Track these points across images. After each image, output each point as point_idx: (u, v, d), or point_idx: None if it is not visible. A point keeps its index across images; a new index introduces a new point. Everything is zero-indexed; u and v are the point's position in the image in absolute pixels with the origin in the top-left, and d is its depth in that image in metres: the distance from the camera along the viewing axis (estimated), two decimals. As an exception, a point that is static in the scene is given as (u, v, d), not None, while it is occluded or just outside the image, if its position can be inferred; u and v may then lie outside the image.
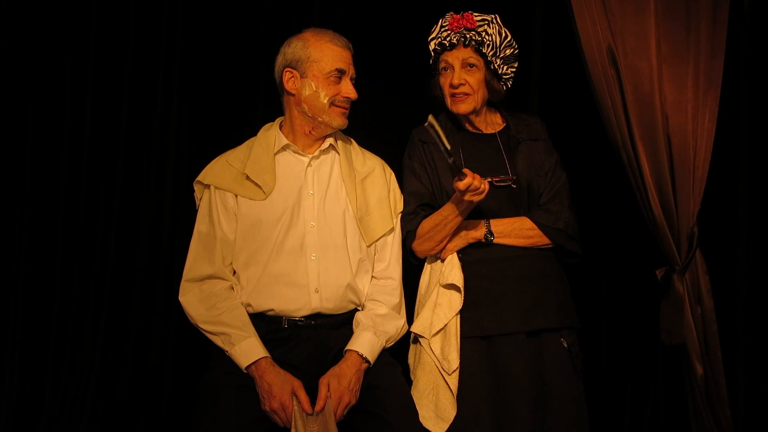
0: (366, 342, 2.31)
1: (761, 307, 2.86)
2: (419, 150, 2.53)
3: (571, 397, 2.39)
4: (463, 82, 2.43)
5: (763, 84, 2.86)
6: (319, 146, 2.44)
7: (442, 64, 2.47)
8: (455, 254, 2.43)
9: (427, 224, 2.43)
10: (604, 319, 3.16)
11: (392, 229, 2.47)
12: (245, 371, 2.24)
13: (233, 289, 2.39)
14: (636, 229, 2.87)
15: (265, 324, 2.34)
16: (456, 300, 2.38)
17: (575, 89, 2.91)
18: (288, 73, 2.39)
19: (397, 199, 2.51)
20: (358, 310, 2.43)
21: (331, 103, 2.37)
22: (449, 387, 2.33)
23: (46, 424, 3.09)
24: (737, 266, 2.90)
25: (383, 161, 2.57)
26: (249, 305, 2.36)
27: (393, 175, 2.56)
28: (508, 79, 2.51)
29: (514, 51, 2.48)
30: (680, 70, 2.66)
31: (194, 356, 2.94)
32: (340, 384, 2.22)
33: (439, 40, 2.46)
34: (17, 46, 3.13)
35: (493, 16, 2.45)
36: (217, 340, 2.30)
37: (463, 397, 2.33)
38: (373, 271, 2.47)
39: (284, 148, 2.43)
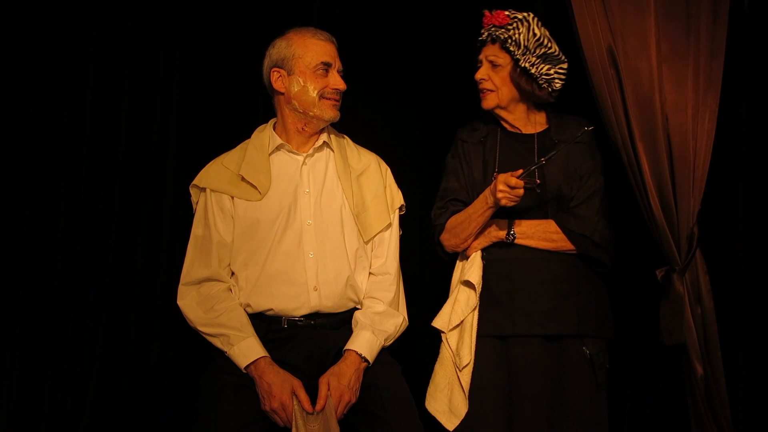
0: (365, 341, 2.31)
1: (761, 307, 2.86)
2: (460, 149, 2.56)
3: (588, 409, 2.35)
4: (485, 77, 2.46)
5: (763, 84, 2.86)
6: (313, 144, 2.44)
7: (477, 62, 2.51)
8: (479, 252, 2.44)
9: (454, 220, 2.46)
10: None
11: (389, 225, 2.47)
12: (244, 371, 2.24)
13: (231, 290, 2.39)
14: (636, 229, 2.87)
15: (265, 324, 2.34)
16: (472, 297, 2.40)
17: (575, 89, 2.90)
18: (275, 72, 2.40)
19: (393, 194, 2.52)
20: (357, 309, 2.43)
21: (321, 96, 2.38)
22: (461, 383, 2.33)
23: (46, 424, 3.09)
24: (737, 266, 2.89)
25: (378, 157, 2.57)
26: (248, 305, 2.36)
27: (389, 170, 2.56)
28: (550, 80, 2.46)
29: (548, 50, 2.45)
30: (680, 70, 2.66)
31: (194, 356, 2.95)
32: (340, 382, 2.22)
33: (479, 36, 2.50)
34: (17, 46, 3.13)
35: (526, 14, 2.46)
36: (216, 342, 2.30)
37: (474, 395, 2.35)
38: (370, 267, 2.47)
39: (278, 147, 2.44)
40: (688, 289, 2.68)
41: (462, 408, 2.34)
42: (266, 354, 2.25)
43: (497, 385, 2.35)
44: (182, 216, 3.06)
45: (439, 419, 2.35)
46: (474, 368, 2.37)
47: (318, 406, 2.19)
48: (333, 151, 2.47)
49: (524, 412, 2.32)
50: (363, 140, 2.61)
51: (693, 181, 2.65)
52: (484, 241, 2.45)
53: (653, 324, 2.79)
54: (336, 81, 2.39)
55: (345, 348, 2.31)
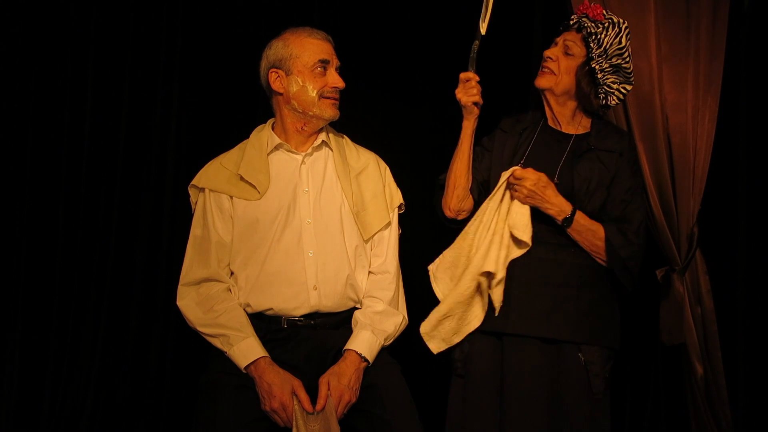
0: (364, 341, 2.31)
1: (761, 307, 2.86)
2: (497, 137, 2.53)
3: (583, 418, 2.29)
4: (554, 57, 2.41)
5: (763, 84, 2.86)
6: (312, 143, 2.44)
7: (553, 42, 2.47)
8: (527, 207, 2.34)
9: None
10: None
11: (389, 224, 2.47)
12: (244, 371, 2.24)
13: (230, 290, 2.39)
14: (636, 228, 2.87)
15: (265, 324, 2.34)
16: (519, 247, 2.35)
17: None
18: (273, 73, 2.40)
19: (392, 193, 2.51)
20: (357, 308, 2.43)
21: (320, 95, 2.37)
22: (485, 299, 2.33)
23: (46, 424, 3.09)
24: (737, 266, 2.90)
25: (377, 156, 2.56)
26: (248, 305, 2.35)
27: (388, 169, 2.56)
28: (609, 94, 2.40)
29: (624, 63, 2.37)
30: (680, 70, 2.66)
31: (194, 356, 2.95)
32: (340, 382, 2.22)
33: (567, 20, 2.48)
34: (17, 46, 3.13)
35: (620, 21, 2.39)
36: (216, 342, 2.29)
37: (468, 393, 2.34)
38: (370, 266, 2.47)
39: (277, 147, 2.43)
40: (688, 289, 2.69)
41: (455, 338, 2.38)
42: (266, 354, 2.25)
43: (491, 384, 2.34)
44: (182, 216, 3.06)
45: (424, 339, 2.39)
46: (470, 366, 2.37)
47: (318, 406, 2.18)
48: (332, 150, 2.47)
49: (513, 412, 2.29)
50: (362, 139, 2.61)
51: (693, 181, 2.66)
52: (538, 203, 2.33)
53: (653, 324, 2.80)
54: (335, 79, 2.39)
55: (345, 348, 2.31)
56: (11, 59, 3.12)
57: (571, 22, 2.44)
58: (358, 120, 2.65)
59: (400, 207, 2.54)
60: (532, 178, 2.31)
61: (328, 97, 2.38)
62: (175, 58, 3.24)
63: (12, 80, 3.12)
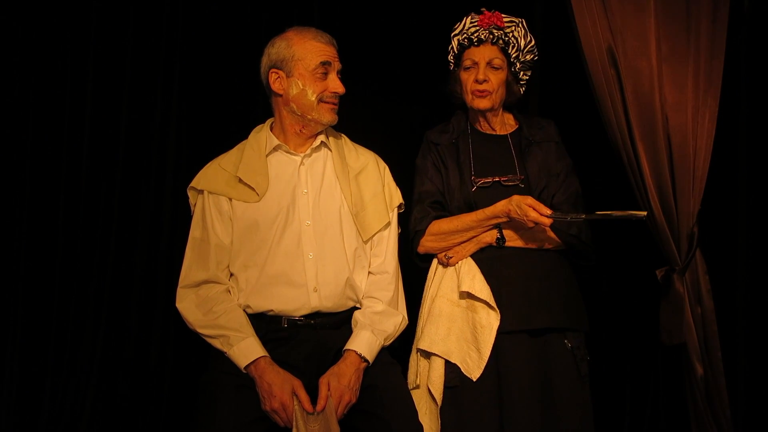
0: (364, 341, 2.31)
1: (761, 307, 2.86)
2: (433, 151, 2.56)
3: (575, 401, 2.38)
4: (487, 78, 2.46)
5: (763, 84, 2.86)
6: (311, 144, 2.44)
7: (467, 61, 2.50)
8: (470, 260, 2.44)
9: (445, 225, 2.45)
10: (604, 319, 3.15)
11: (388, 224, 2.47)
12: (244, 371, 2.24)
13: (230, 292, 2.38)
14: (636, 229, 2.87)
15: (265, 324, 2.34)
16: (493, 317, 2.37)
17: (575, 89, 2.91)
18: (274, 73, 2.39)
19: (392, 193, 2.51)
20: (357, 308, 2.43)
21: (320, 100, 2.37)
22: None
23: (46, 424, 3.09)
24: (737, 266, 2.90)
25: (377, 155, 2.56)
26: (248, 306, 2.35)
27: (387, 168, 2.56)
28: (523, 84, 2.56)
29: (534, 57, 2.54)
30: (680, 70, 2.66)
31: (194, 356, 2.95)
32: (340, 383, 2.22)
33: (466, 35, 2.49)
34: (17, 45, 3.13)
35: (520, 20, 2.51)
36: (216, 343, 2.30)
37: (466, 393, 2.34)
38: (369, 266, 2.47)
39: (276, 148, 2.43)
40: (688, 289, 2.68)
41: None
42: (266, 354, 2.25)
43: (488, 383, 2.35)
44: (182, 216, 3.05)
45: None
46: (464, 374, 2.37)
47: (318, 407, 2.18)
48: (331, 150, 2.47)
49: (516, 409, 2.32)
50: (362, 139, 2.61)
51: (693, 181, 2.66)
52: (473, 247, 2.45)
53: (653, 324, 2.79)
54: (335, 85, 2.38)
55: (345, 348, 2.31)
56: (11, 58, 3.12)
57: (482, 38, 2.47)
58: (357, 119, 2.65)
59: (399, 207, 2.54)
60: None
61: (327, 102, 2.37)
62: (175, 58, 3.24)
63: (12, 80, 3.12)
